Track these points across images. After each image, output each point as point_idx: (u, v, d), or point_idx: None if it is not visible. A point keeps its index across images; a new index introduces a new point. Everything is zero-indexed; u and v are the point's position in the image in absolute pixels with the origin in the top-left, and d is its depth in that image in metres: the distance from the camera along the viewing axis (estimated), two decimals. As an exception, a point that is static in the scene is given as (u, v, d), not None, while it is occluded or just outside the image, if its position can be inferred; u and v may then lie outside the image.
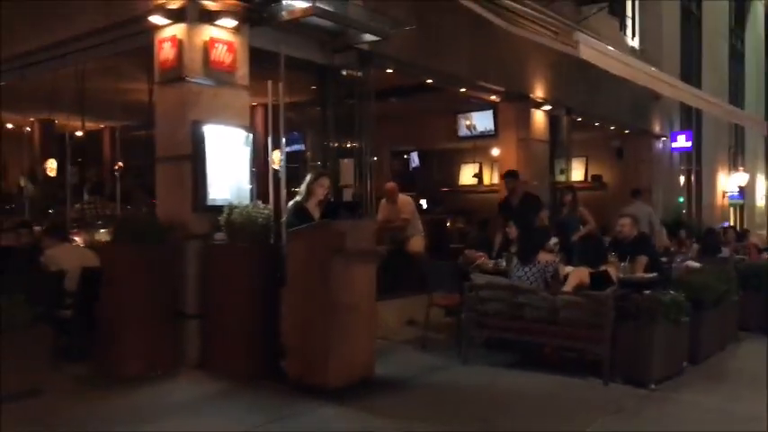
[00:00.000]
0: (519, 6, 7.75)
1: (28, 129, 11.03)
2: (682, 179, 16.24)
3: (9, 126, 10.60)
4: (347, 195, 6.89)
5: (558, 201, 9.31)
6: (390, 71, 7.72)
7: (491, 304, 5.63)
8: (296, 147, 9.20)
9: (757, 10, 21.67)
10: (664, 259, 7.59)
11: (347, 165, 6.90)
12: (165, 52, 5.58)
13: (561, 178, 10.81)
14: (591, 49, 5.84)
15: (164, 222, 5.46)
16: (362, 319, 4.85)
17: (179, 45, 5.50)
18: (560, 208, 8.67)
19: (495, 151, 11.98)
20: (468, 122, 12.39)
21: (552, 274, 5.59)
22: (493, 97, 9.95)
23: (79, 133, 9.50)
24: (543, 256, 5.65)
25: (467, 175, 14.30)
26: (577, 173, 13.73)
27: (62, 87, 7.72)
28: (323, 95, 7.19)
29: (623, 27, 13.67)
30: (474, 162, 14.03)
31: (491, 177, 13.52)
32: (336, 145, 7.12)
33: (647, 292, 5.46)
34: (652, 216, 10.36)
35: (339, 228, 4.74)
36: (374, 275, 4.96)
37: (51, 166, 10.10)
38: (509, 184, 8.14)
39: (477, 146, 12.89)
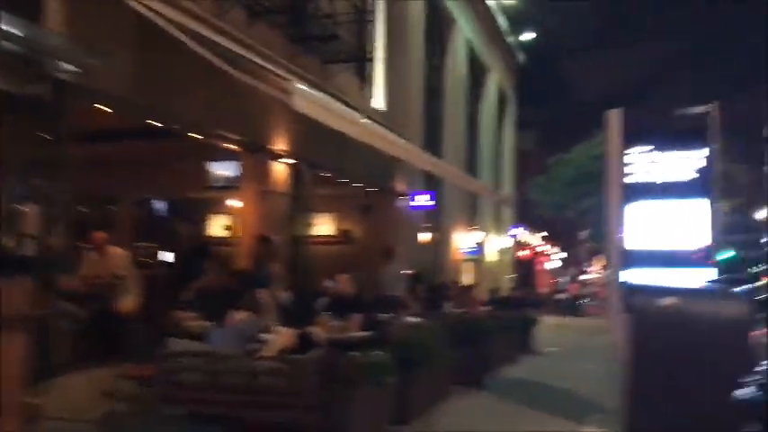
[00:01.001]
0: (248, 55, 7.52)
1: None
2: (424, 236, 17.30)
3: None
4: (29, 249, 5.79)
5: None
6: (109, 109, 6.90)
7: (187, 374, 5.00)
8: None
9: (490, 85, 24.66)
10: (386, 316, 7.64)
11: (29, 213, 5.83)
12: None
13: (302, 232, 10.69)
14: (305, 101, 5.71)
15: None
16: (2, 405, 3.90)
17: None
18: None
19: (239, 202, 11.55)
20: (214, 172, 11.92)
21: (253, 335, 5.15)
22: (233, 147, 9.53)
23: None
24: (237, 315, 5.18)
25: (216, 227, 13.60)
26: (327, 227, 13.86)
27: None
28: (9, 130, 6.08)
29: (369, 88, 14.31)
30: (222, 213, 13.39)
31: (240, 229, 13.02)
32: (20, 188, 6.01)
33: (355, 353, 5.29)
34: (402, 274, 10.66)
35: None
36: (22, 347, 4.05)
37: None
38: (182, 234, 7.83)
39: (223, 196, 12.33)
